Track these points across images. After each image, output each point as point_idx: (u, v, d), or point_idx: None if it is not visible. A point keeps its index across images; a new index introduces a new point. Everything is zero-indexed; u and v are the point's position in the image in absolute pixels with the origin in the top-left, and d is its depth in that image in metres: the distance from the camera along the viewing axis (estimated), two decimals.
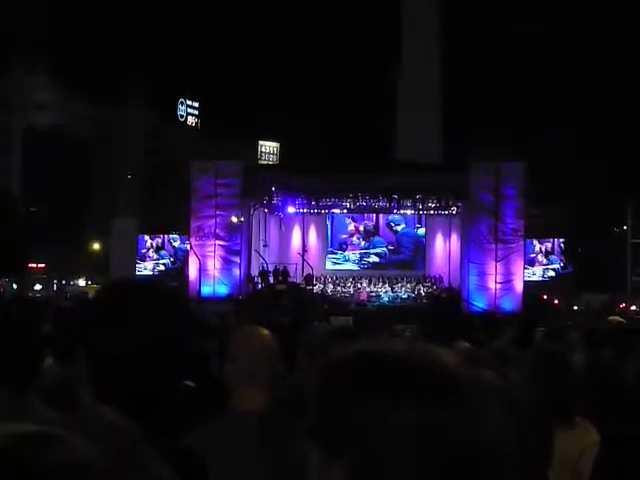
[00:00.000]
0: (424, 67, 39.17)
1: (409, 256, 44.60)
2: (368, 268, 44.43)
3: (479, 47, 55.63)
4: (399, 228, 44.51)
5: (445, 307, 35.37)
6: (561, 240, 42.67)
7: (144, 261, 43.96)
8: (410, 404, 1.20)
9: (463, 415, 1.21)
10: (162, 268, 43.98)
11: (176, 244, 43.58)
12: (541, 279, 42.07)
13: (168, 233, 45.21)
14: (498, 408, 1.26)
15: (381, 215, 43.92)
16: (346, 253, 44.98)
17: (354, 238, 44.89)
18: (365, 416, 1.20)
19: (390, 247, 44.68)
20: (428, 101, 38.89)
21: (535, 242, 42.01)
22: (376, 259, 44.72)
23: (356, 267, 44.82)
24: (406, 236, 44.63)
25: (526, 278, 40.90)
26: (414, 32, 39.23)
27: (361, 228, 44.85)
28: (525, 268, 40.09)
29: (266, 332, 3.94)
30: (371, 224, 44.72)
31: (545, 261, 42.19)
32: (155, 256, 44.36)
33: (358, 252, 44.96)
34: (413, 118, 40.52)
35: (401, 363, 1.25)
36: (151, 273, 43.34)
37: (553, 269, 42.31)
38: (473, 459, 1.19)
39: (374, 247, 44.89)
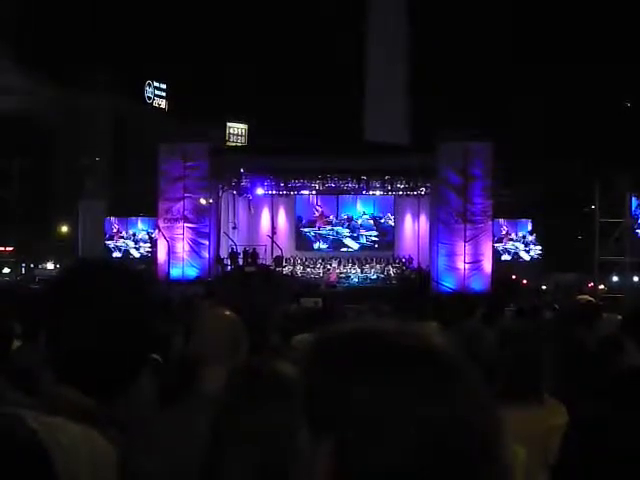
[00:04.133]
0: (392, 45, 39.13)
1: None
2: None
3: (449, 23, 55.62)
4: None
5: (414, 288, 35.52)
6: (530, 220, 42.88)
7: (112, 239, 43.68)
8: (402, 382, 1.21)
9: (454, 394, 1.22)
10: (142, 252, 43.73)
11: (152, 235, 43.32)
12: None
13: (137, 215, 45.01)
14: (484, 387, 1.27)
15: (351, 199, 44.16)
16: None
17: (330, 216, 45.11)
18: (357, 393, 1.21)
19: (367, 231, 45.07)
20: (396, 81, 38.89)
21: (503, 225, 42.08)
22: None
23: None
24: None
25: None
26: (380, 10, 39.14)
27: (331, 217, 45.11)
28: (499, 242, 40.43)
29: (231, 314, 3.92)
30: (346, 215, 44.97)
31: (515, 237, 42.34)
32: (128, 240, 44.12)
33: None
34: (381, 99, 40.57)
35: (394, 341, 1.26)
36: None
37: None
38: (463, 439, 1.20)
39: (354, 230, 45.11)
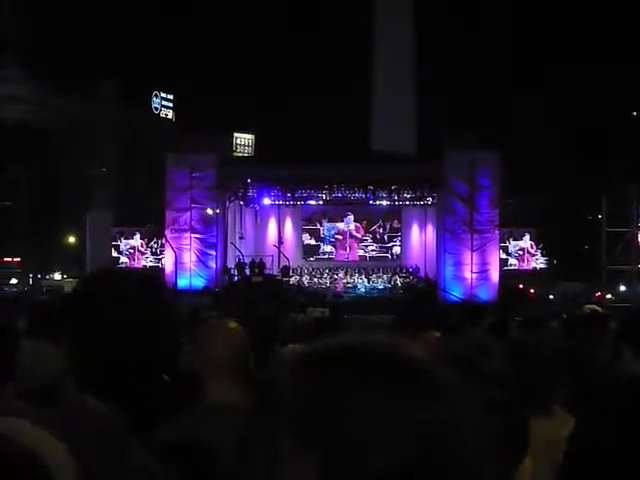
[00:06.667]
0: (398, 56, 38.95)
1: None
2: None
3: (454, 32, 55.68)
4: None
5: (421, 297, 35.47)
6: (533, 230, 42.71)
7: (119, 250, 43.54)
8: (385, 395, 1.20)
9: (438, 408, 1.22)
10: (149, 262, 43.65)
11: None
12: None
13: (144, 226, 44.99)
14: (471, 402, 1.27)
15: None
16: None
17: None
18: (341, 407, 1.20)
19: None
20: (402, 89, 38.72)
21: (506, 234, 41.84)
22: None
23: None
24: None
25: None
26: (386, 21, 38.95)
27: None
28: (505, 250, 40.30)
29: (236, 325, 3.92)
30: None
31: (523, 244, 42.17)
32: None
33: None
34: (387, 106, 40.49)
35: (382, 355, 1.26)
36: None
37: (543, 262, 42.33)
38: (446, 453, 1.19)
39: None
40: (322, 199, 42.28)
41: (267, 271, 40.02)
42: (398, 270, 42.83)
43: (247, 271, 39.60)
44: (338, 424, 1.19)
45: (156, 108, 68.74)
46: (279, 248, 42.06)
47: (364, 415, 1.19)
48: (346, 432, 1.19)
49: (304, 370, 1.28)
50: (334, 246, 45.30)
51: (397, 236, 45.00)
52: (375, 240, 45.17)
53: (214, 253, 38.59)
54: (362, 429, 1.18)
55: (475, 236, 37.07)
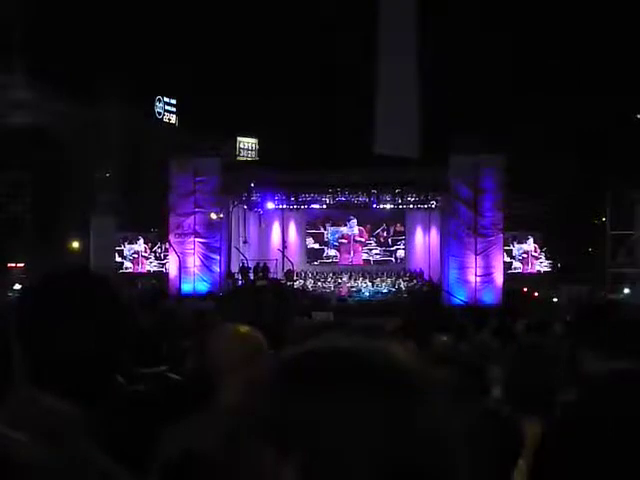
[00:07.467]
0: (401, 59, 38.93)
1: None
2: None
3: (456, 36, 55.59)
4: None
5: (425, 301, 35.47)
6: (535, 234, 42.71)
7: (123, 255, 43.66)
8: (364, 400, 1.21)
9: (416, 412, 1.23)
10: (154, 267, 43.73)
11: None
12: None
13: (148, 231, 45.04)
14: (450, 404, 1.27)
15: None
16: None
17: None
18: (319, 412, 1.21)
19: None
20: (406, 92, 38.70)
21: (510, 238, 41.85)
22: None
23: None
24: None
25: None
26: (392, 19, 38.92)
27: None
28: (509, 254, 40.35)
29: (246, 329, 3.90)
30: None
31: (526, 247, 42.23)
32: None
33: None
34: (391, 106, 40.48)
35: (360, 359, 1.26)
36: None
37: (547, 265, 42.39)
38: (430, 455, 1.20)
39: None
40: (326, 203, 42.24)
41: (271, 275, 40.03)
42: (402, 274, 42.84)
43: (251, 275, 39.61)
44: (318, 430, 1.20)
45: (159, 113, 68.69)
46: (283, 252, 42.08)
47: (344, 420, 1.19)
48: (326, 437, 1.19)
49: (283, 375, 1.29)
50: (338, 250, 45.30)
51: (401, 240, 44.99)
52: (379, 244, 45.16)
53: (218, 257, 38.52)
54: (342, 434, 1.18)
55: (479, 239, 37.01)
